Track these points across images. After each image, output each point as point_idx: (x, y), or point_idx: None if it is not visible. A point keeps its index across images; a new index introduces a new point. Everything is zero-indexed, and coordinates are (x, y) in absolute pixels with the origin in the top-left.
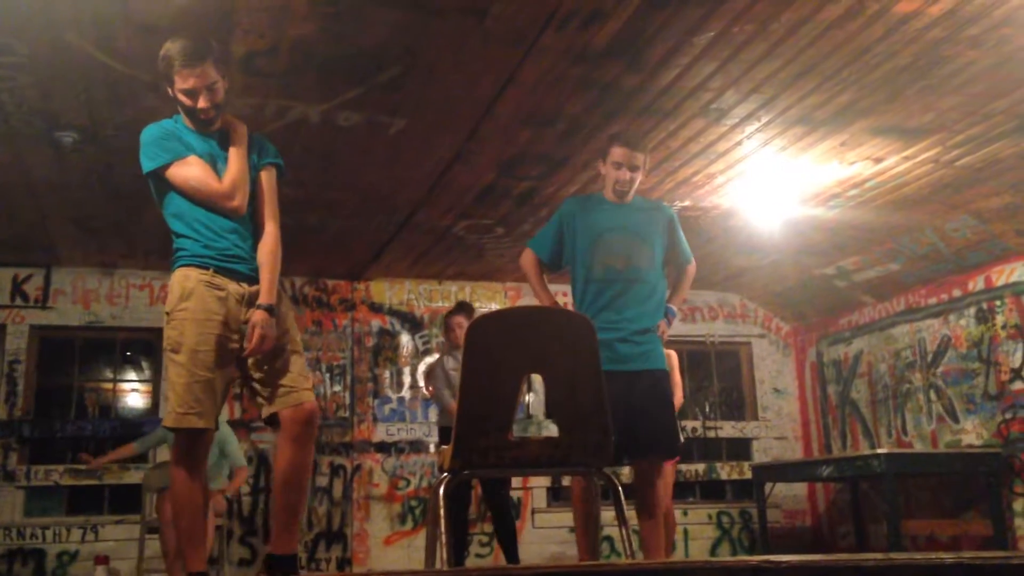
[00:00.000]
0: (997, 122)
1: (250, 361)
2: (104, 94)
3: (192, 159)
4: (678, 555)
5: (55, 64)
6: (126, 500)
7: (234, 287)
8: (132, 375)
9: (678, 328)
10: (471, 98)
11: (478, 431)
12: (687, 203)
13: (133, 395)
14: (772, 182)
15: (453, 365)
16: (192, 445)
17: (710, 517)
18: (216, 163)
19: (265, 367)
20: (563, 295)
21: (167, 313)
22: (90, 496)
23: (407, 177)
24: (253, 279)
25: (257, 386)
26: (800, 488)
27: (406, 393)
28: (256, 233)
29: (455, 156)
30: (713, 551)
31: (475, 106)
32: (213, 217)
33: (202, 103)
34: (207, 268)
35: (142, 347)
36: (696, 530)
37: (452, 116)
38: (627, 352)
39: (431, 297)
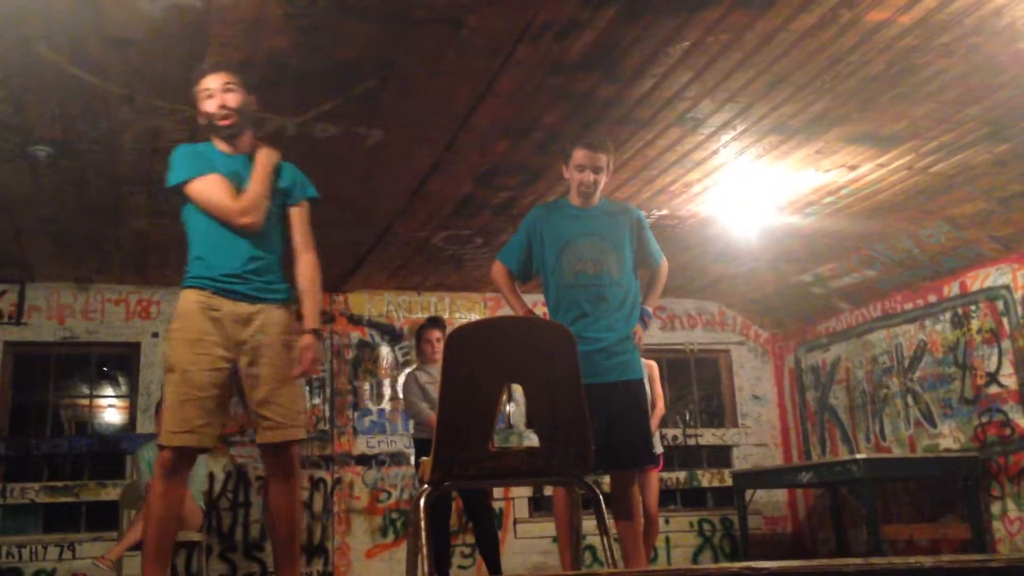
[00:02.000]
0: (969, 129)
1: (246, 383)
2: (78, 108)
3: (213, 176)
4: (660, 563)
5: (28, 78)
6: (103, 517)
7: (230, 307)
8: (108, 391)
9: (657, 336)
10: (448, 109)
11: (458, 442)
12: (665, 212)
13: (110, 411)
14: (749, 190)
15: (427, 379)
16: (176, 462)
17: (691, 525)
18: (240, 183)
19: (261, 391)
20: (543, 304)
21: (167, 333)
22: (67, 513)
23: (385, 189)
24: (255, 299)
25: (253, 409)
26: (780, 494)
27: (386, 405)
28: (274, 262)
29: (433, 167)
30: (695, 558)
31: (452, 117)
32: (226, 238)
33: (217, 101)
34: (205, 289)
35: (118, 362)
36: (677, 538)
37: (429, 127)
38: (604, 364)
39: (410, 308)
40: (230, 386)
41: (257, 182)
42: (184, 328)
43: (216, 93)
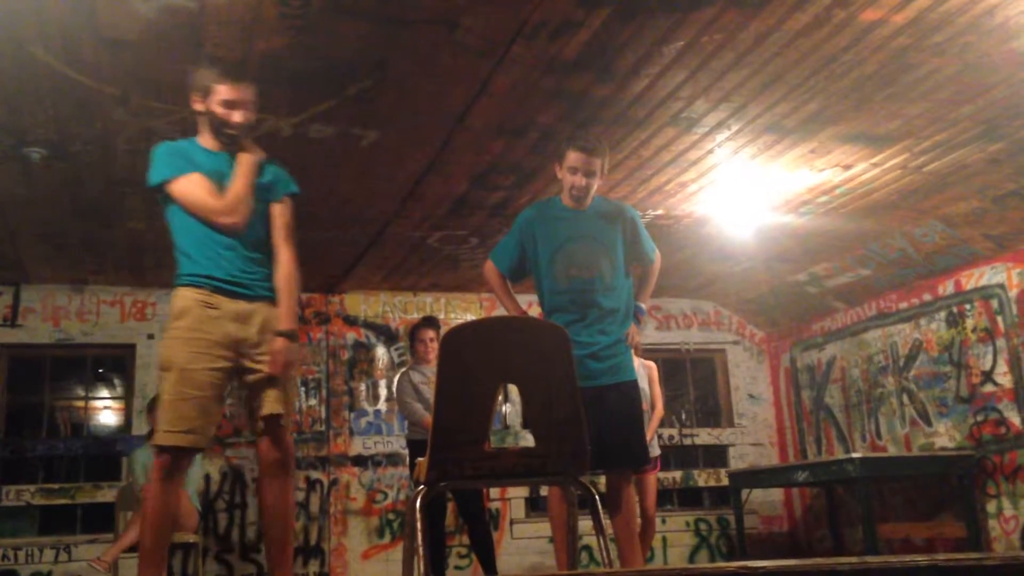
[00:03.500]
0: (963, 128)
1: (246, 380)
2: (72, 109)
3: (195, 175)
4: (656, 563)
5: (22, 79)
6: (99, 519)
7: (230, 305)
8: (104, 392)
9: (653, 336)
10: (443, 109)
11: (454, 442)
12: (660, 211)
13: (105, 412)
14: (743, 190)
15: (420, 379)
16: (174, 463)
17: (688, 524)
18: (223, 181)
19: (260, 387)
20: (537, 304)
21: (164, 332)
22: (63, 516)
23: (380, 189)
24: (252, 298)
25: (252, 407)
26: (776, 494)
27: (382, 406)
28: (265, 258)
29: (427, 167)
30: (691, 558)
31: (447, 117)
32: (214, 236)
33: (237, 117)
34: (202, 288)
35: (113, 364)
36: (674, 537)
37: (424, 128)
38: (596, 368)
39: (406, 309)
40: (227, 385)
41: (240, 181)
42: (183, 326)
43: (243, 106)
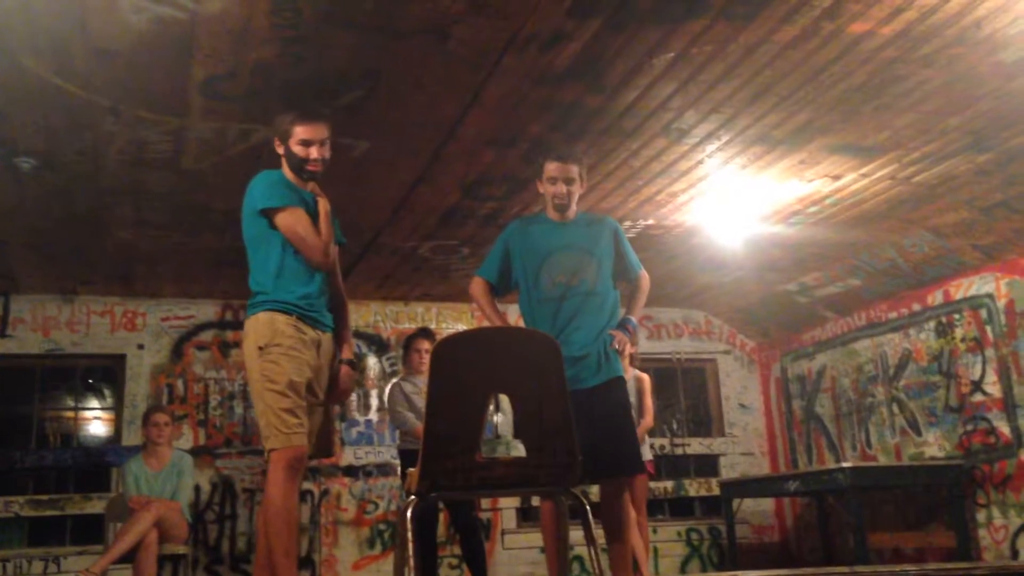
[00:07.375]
0: (951, 139)
1: (311, 400)
2: (62, 119)
3: (301, 210)
4: (648, 573)
5: (12, 89)
6: (88, 531)
7: (312, 333)
8: (94, 403)
9: (644, 346)
10: (434, 120)
11: (445, 452)
12: (651, 221)
13: (95, 423)
14: (734, 200)
15: (412, 389)
16: (298, 463)
17: (679, 534)
18: (310, 215)
19: (316, 411)
20: (519, 318)
21: (260, 348)
22: (52, 527)
23: (371, 199)
24: (324, 327)
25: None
26: (767, 503)
27: (373, 416)
28: (328, 291)
29: (419, 178)
30: (683, 568)
31: (438, 128)
32: (303, 269)
33: (314, 154)
34: (292, 315)
35: (104, 374)
36: (666, 547)
37: (415, 138)
38: (583, 371)
39: (397, 319)
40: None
41: (327, 223)
42: (286, 345)
43: (316, 145)
